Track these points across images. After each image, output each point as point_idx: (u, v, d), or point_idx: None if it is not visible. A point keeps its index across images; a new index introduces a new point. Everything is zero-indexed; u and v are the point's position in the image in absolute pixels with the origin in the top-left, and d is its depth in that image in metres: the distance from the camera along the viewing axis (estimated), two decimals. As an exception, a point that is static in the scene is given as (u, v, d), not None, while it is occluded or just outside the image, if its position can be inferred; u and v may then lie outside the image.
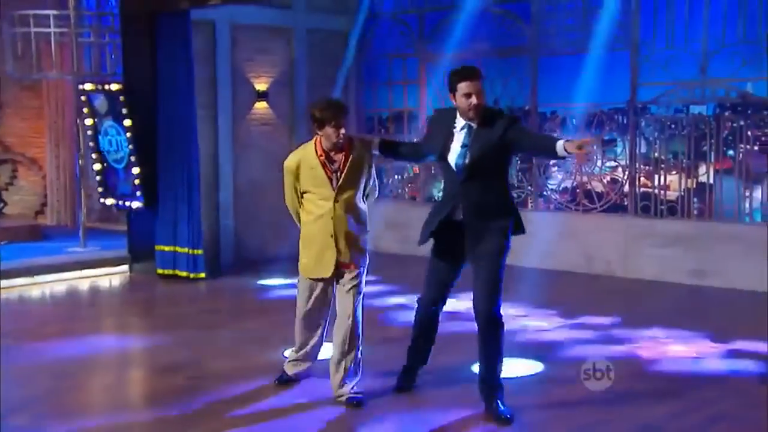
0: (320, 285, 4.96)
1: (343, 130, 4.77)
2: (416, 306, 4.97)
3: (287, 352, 5.39)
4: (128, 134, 9.07)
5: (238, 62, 10.18)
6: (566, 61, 9.64)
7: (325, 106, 4.80)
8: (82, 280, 8.99)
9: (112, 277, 9.25)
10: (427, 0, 10.81)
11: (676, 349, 6.11)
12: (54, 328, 6.81)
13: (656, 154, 9.14)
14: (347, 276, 4.88)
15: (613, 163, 9.56)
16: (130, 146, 9.09)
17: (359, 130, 11.44)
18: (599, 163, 9.61)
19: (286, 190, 4.99)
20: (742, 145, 8.52)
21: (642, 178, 9.26)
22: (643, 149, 9.29)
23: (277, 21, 10.48)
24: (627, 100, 9.21)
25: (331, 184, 4.81)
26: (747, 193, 8.52)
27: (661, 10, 8.92)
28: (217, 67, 9.94)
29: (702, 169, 8.86)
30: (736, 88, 8.61)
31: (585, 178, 9.69)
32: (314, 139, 4.89)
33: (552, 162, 9.91)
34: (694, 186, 8.88)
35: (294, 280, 5.48)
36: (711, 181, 8.78)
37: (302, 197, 4.93)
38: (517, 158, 10.31)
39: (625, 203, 9.31)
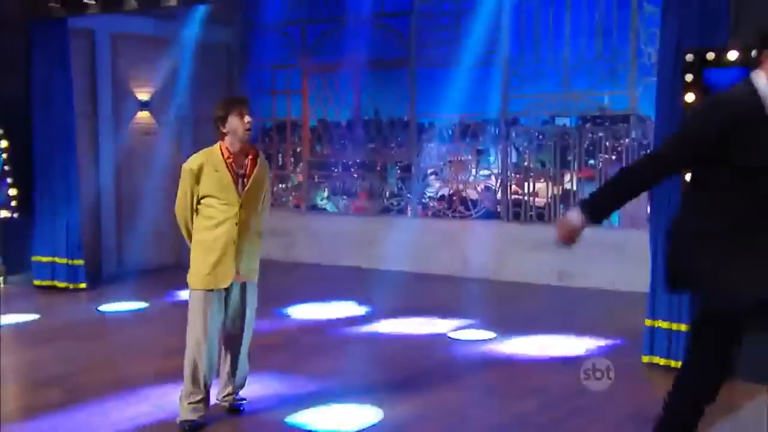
0: (216, 297, 4.60)
1: (248, 119, 4.54)
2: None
3: (184, 395, 4.64)
4: (2, 143, 8.88)
5: (120, 72, 10.12)
6: (442, 73, 10.08)
7: (225, 99, 4.67)
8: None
9: (-16, 290, 9.01)
10: (310, 12, 11.06)
11: (544, 346, 6.54)
12: None
13: (526, 163, 9.68)
14: (245, 290, 4.67)
15: (486, 172, 10.06)
16: (3, 155, 8.91)
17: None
18: (474, 171, 10.09)
19: (179, 194, 4.63)
20: (602, 155, 9.15)
21: (513, 186, 9.79)
22: (514, 158, 9.82)
23: (159, 31, 10.49)
24: (498, 112, 9.72)
25: (237, 188, 4.55)
26: (606, 200, 9.12)
27: (528, 27, 9.47)
28: (97, 76, 9.86)
29: (567, 177, 9.46)
30: (595, 102, 9.25)
31: (461, 186, 10.14)
32: (218, 143, 4.63)
33: (429, 170, 10.36)
34: (560, 193, 9.47)
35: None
36: (575, 188, 9.38)
37: (199, 203, 4.60)
38: (397, 167, 10.71)
39: (498, 210, 9.80)
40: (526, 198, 9.60)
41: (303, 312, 7.84)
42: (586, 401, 5.09)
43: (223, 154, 4.58)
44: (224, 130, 4.58)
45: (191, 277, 4.64)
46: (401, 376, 5.69)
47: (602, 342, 6.62)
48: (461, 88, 9.99)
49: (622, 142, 9.02)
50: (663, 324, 5.71)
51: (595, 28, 9.02)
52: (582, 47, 9.13)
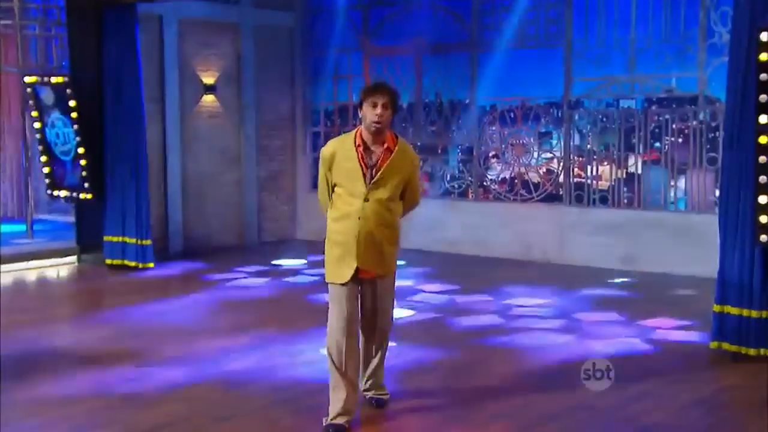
0: (348, 291, 4.33)
1: (379, 110, 4.18)
2: None
3: (330, 386, 4.40)
4: (75, 126, 9.17)
5: (186, 56, 10.33)
6: (504, 56, 10.01)
7: (367, 85, 4.39)
8: (30, 271, 9.08)
9: (59, 268, 9.35)
10: (371, -4, 11.10)
11: (606, 331, 6.51)
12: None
13: (589, 146, 9.57)
14: (376, 285, 4.41)
15: (548, 155, 9.98)
16: (77, 138, 9.20)
17: (305, 123, 11.70)
18: (535, 154, 10.02)
19: (319, 181, 4.46)
20: (668, 138, 8.99)
21: (576, 169, 9.69)
22: (577, 141, 9.72)
23: (224, 16, 10.67)
24: (561, 95, 9.62)
25: (365, 180, 4.25)
26: (672, 183, 9.00)
27: (592, 10, 9.34)
28: (165, 61, 10.09)
29: (631, 160, 9.32)
30: (661, 84, 9.08)
31: (522, 169, 10.08)
32: (356, 129, 4.39)
33: (491, 153, 10.34)
34: (624, 176, 9.34)
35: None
36: (639, 171, 9.24)
37: (333, 191, 4.37)
38: (458, 149, 10.70)
39: (560, 193, 9.72)
40: (588, 181, 9.50)
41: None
42: (651, 386, 5.06)
43: (355, 141, 4.29)
44: (361, 117, 4.32)
45: (325, 269, 4.41)
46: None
47: (669, 327, 6.54)
48: (523, 71, 9.93)
49: (689, 124, 8.84)
50: (732, 310, 5.61)
51: (663, 8, 8.84)
52: (649, 28, 8.96)
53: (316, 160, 11.80)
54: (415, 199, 4.51)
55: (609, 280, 8.45)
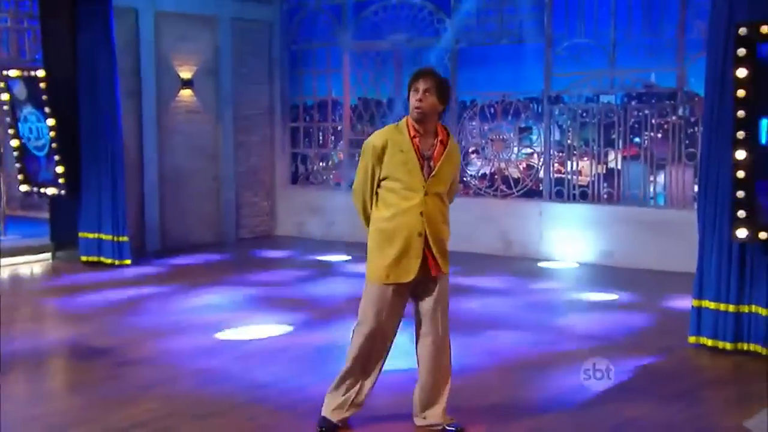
0: (396, 293, 4.06)
1: (420, 95, 3.96)
2: None
3: (331, 395, 4.22)
4: (49, 121, 9.03)
5: (163, 50, 10.20)
6: (484, 51, 9.99)
7: (413, 72, 4.11)
8: (3, 269, 8.93)
9: (33, 265, 9.21)
10: (350, -10, 11.01)
11: (583, 325, 6.50)
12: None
13: (569, 141, 9.56)
14: (437, 284, 4.10)
15: (528, 150, 9.97)
16: (52, 133, 9.05)
17: (284, 118, 11.61)
18: (515, 149, 10.01)
19: (359, 173, 4.11)
20: (647, 133, 8.99)
21: (556, 164, 9.68)
22: (557, 136, 9.71)
23: (201, 9, 10.54)
24: (541, 90, 9.60)
25: (422, 172, 4.02)
26: (651, 178, 9.02)
27: (571, 5, 9.32)
28: (141, 55, 9.95)
29: (611, 155, 9.32)
30: (641, 79, 9.09)
31: (503, 165, 10.06)
32: (405, 118, 4.10)
33: (471, 149, 10.31)
34: (604, 171, 9.34)
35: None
36: (619, 167, 9.24)
37: (379, 186, 4.08)
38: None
39: (540, 188, 9.71)
40: (569, 176, 9.49)
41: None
42: (630, 379, 5.05)
43: (409, 132, 4.03)
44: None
45: (369, 269, 4.12)
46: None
47: (647, 322, 6.54)
48: (503, 66, 9.91)
49: (668, 119, 8.85)
50: (710, 304, 5.61)
51: (641, 3, 8.83)
52: (628, 23, 8.95)
53: (294, 156, 11.82)
54: (452, 198, 4.28)
55: (588, 276, 8.44)
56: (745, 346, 5.49)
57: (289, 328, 6.32)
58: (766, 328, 5.38)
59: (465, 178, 10.34)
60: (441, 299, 4.11)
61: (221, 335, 6.14)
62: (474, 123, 10.25)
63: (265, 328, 6.34)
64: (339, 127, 11.38)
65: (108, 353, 5.72)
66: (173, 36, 10.31)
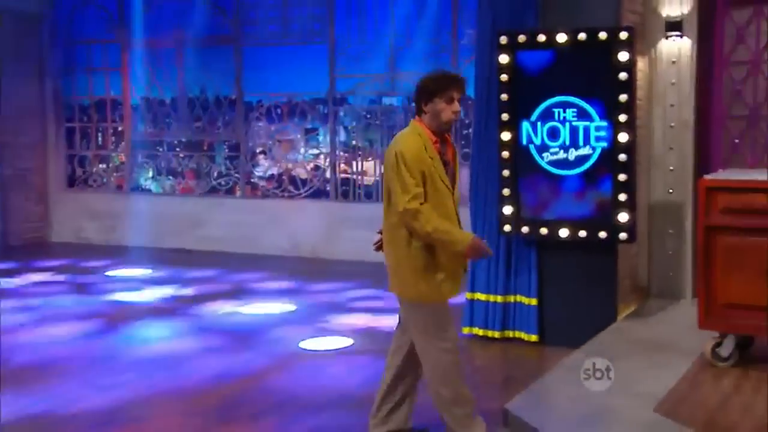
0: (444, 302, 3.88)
1: (458, 106, 3.75)
2: None
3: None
4: None
5: None
6: (269, 51, 9.96)
7: (440, 74, 3.83)
8: None
9: None
10: (128, -16, 10.55)
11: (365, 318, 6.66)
12: None
13: (354, 142, 9.76)
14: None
15: (315, 151, 10.06)
16: None
17: (58, 118, 10.90)
18: (302, 150, 10.06)
19: (415, 185, 3.63)
20: (427, 134, 9.36)
21: (342, 165, 9.84)
22: (342, 137, 9.87)
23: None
24: (326, 91, 9.72)
25: (448, 178, 3.78)
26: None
27: (353, 7, 9.51)
28: None
29: (394, 155, 9.59)
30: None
31: (290, 165, 10.07)
32: (416, 122, 3.78)
33: (258, 150, 10.25)
34: (388, 171, 9.60)
35: None
36: (402, 167, 9.54)
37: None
38: (224, 145, 10.48)
39: (327, 189, 9.83)
40: (354, 177, 9.68)
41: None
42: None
43: (430, 137, 3.74)
44: (425, 108, 3.75)
45: (430, 289, 3.82)
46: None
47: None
48: (289, 67, 9.92)
49: (446, 121, 9.25)
50: (481, 296, 5.94)
51: (418, 8, 9.19)
52: (407, 28, 9.29)
53: (71, 157, 11.10)
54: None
55: (372, 275, 8.60)
56: (511, 334, 5.88)
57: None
58: (529, 316, 5.79)
59: (252, 180, 10.25)
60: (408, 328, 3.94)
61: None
62: (261, 124, 10.19)
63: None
64: (119, 128, 10.86)
65: None
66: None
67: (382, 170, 4.10)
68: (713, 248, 4.77)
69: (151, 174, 10.86)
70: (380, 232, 3.99)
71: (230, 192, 10.33)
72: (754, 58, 6.34)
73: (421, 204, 3.63)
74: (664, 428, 3.92)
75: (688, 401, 4.28)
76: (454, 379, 3.82)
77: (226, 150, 10.45)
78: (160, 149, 10.71)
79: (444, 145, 3.80)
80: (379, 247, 4.02)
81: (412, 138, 3.71)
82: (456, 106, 3.73)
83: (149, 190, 10.82)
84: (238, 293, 7.68)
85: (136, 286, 7.95)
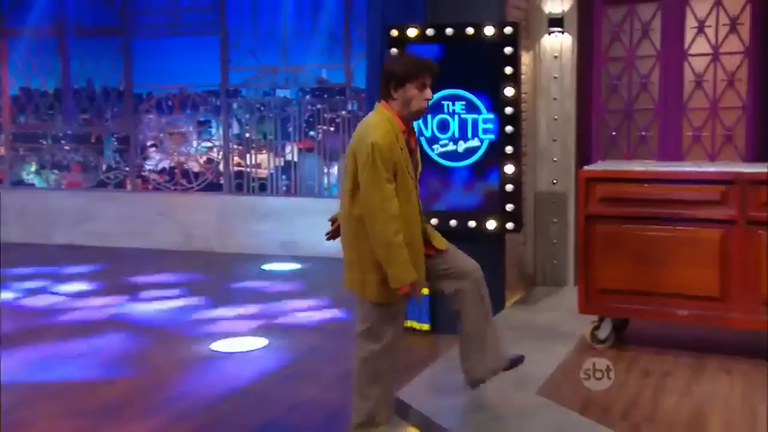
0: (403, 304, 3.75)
1: (430, 93, 3.59)
2: None
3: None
4: None
5: None
6: (160, 42, 9.74)
7: (412, 59, 3.63)
8: None
9: None
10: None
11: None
12: None
13: (248, 135, 9.67)
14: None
15: (208, 144, 9.92)
16: None
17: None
18: (195, 143, 9.90)
19: (385, 180, 3.45)
20: (321, 127, 9.39)
21: (235, 158, 9.74)
22: (236, 130, 9.77)
23: None
24: (219, 83, 9.59)
25: (412, 169, 3.65)
26: (326, 170, 9.44)
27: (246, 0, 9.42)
28: None
29: (288, 148, 9.59)
30: (313, 74, 9.47)
31: (182, 158, 9.89)
32: (383, 108, 3.59)
33: (149, 143, 10.02)
34: (282, 164, 9.59)
35: None
36: (296, 159, 9.55)
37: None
38: (113, 137, 10.20)
39: (221, 181, 9.71)
40: (248, 169, 9.60)
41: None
42: (298, 365, 5.26)
43: (400, 126, 3.57)
44: (394, 95, 3.56)
45: (382, 285, 3.65)
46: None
47: (315, 307, 6.84)
48: (180, 58, 9.73)
49: (339, 113, 9.31)
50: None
51: (311, 2, 9.18)
52: (300, 20, 9.26)
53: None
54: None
55: (265, 267, 8.58)
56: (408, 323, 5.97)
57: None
58: (421, 305, 5.86)
59: (143, 173, 10.01)
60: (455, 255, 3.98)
61: None
62: (151, 116, 9.96)
63: None
64: (-1, 119, 10.39)
65: None
66: None
67: (344, 157, 3.93)
68: (592, 236, 5.00)
69: (34, 168, 10.44)
70: (332, 221, 3.94)
71: (120, 186, 10.05)
72: (628, 55, 6.67)
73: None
74: (546, 410, 4.09)
75: (568, 383, 4.48)
76: (376, 382, 3.73)
77: (115, 143, 10.17)
78: (44, 142, 10.32)
79: (408, 134, 3.66)
80: (331, 236, 3.91)
81: (384, 127, 3.51)
82: (428, 93, 3.58)
83: (32, 185, 10.40)
84: (128, 289, 7.51)
85: (17, 285, 7.66)
